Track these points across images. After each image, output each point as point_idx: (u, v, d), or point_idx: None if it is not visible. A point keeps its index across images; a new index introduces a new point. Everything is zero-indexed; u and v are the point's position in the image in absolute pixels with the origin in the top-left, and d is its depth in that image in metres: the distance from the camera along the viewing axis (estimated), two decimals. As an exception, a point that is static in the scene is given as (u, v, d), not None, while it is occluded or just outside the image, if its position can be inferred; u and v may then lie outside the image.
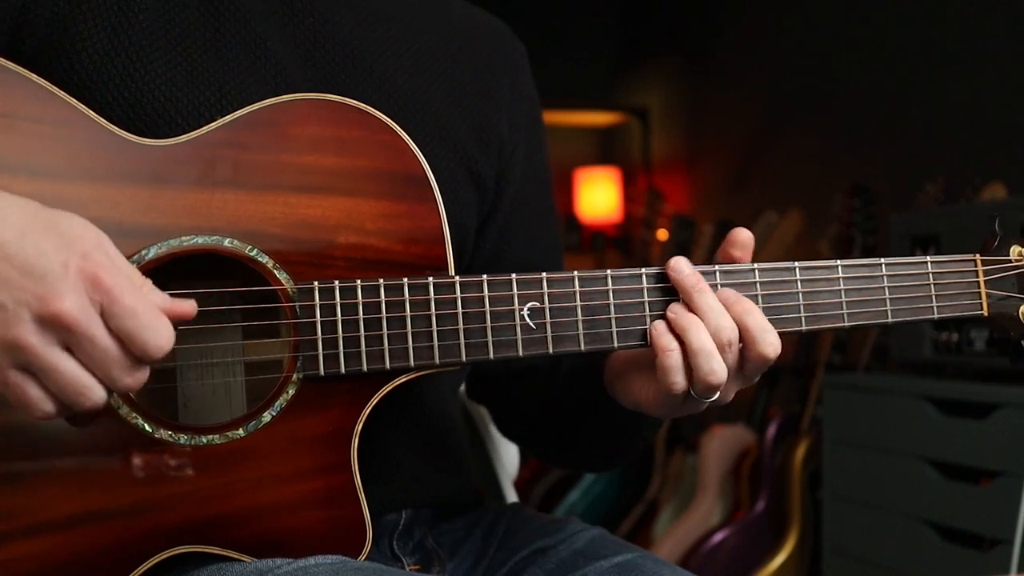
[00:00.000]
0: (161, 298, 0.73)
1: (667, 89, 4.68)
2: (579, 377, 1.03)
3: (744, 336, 0.84)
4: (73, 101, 0.81)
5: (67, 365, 0.69)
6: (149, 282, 0.73)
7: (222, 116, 0.84)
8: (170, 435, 0.80)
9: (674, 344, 0.84)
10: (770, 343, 0.84)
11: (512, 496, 1.42)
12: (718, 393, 0.85)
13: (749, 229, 0.90)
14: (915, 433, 2.13)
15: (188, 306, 0.74)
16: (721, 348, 0.83)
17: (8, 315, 0.67)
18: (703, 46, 4.38)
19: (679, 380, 0.84)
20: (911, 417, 2.13)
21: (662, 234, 4.13)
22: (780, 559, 2.77)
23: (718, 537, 2.87)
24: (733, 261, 0.89)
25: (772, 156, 3.83)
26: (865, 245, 2.80)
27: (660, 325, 0.85)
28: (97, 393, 0.71)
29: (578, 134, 5.26)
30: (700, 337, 0.83)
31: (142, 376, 0.72)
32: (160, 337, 0.71)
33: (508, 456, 1.47)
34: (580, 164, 4.95)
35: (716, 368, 0.83)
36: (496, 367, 1.11)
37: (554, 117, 4.84)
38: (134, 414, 0.79)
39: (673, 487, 3.37)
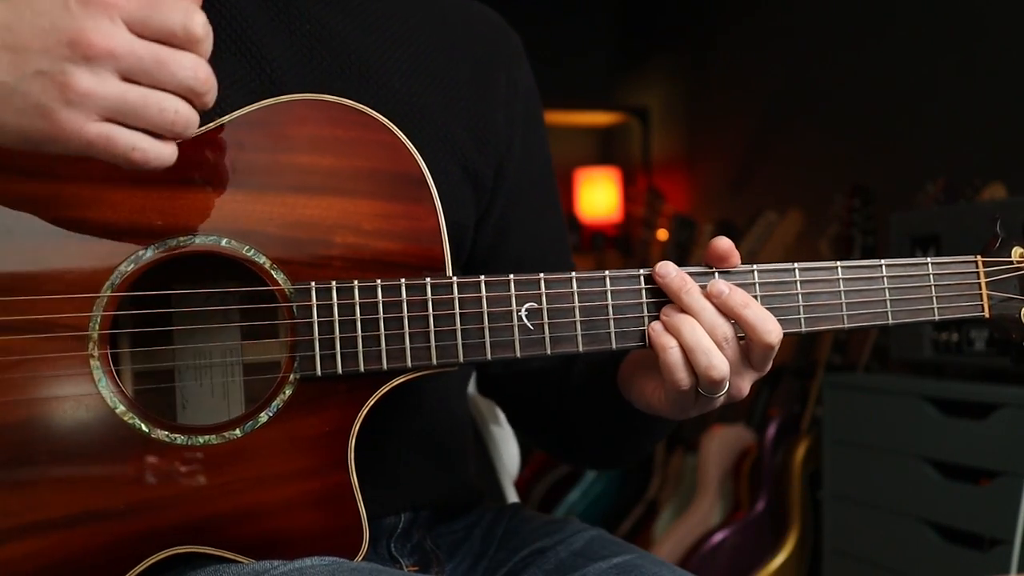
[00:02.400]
0: None
1: (667, 89, 4.68)
2: (594, 378, 1.03)
3: (745, 329, 0.85)
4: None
5: (132, 90, 0.69)
6: None
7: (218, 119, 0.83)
8: (167, 435, 0.80)
9: (672, 342, 0.84)
10: (770, 331, 0.85)
11: (512, 496, 1.41)
12: (726, 387, 0.85)
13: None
14: (915, 433, 2.12)
15: None
16: (719, 344, 0.84)
17: (55, 77, 0.67)
18: (703, 46, 4.37)
19: (684, 377, 0.84)
20: (911, 417, 2.13)
21: (662, 234, 4.12)
22: (780, 559, 2.77)
23: (718, 537, 2.87)
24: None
25: (772, 156, 3.83)
26: (865, 245, 2.80)
27: (657, 325, 0.86)
28: (178, 106, 0.71)
29: (578, 134, 5.26)
30: (695, 334, 0.84)
31: (201, 72, 0.71)
32: (185, 14, 0.70)
33: (508, 456, 1.46)
34: (580, 164, 4.95)
35: (715, 363, 0.83)
36: (508, 367, 1.11)
37: (554, 117, 4.84)
38: (131, 414, 0.79)
39: (673, 487, 3.37)
